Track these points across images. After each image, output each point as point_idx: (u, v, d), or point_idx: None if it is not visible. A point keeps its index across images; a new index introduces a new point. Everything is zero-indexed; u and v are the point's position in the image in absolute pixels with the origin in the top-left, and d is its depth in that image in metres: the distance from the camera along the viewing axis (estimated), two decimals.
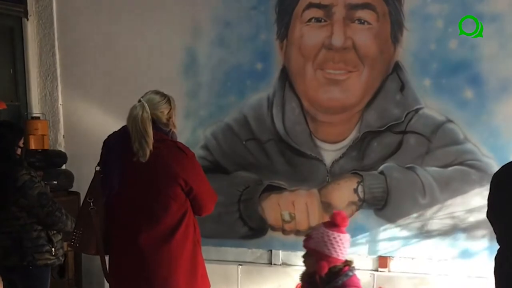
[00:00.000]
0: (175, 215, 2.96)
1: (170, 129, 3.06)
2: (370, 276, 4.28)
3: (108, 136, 3.09)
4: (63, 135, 4.75)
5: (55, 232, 3.51)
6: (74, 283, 4.54)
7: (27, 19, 4.67)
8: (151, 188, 2.92)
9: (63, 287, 4.30)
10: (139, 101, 2.96)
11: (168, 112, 3.03)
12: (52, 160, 4.53)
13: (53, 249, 3.48)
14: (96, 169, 3.00)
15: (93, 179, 3.04)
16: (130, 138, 2.89)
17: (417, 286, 4.23)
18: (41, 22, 4.68)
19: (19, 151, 3.50)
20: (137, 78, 4.45)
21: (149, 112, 2.89)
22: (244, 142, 4.41)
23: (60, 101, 4.71)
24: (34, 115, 4.67)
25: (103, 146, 3.08)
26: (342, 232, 2.85)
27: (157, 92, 3.05)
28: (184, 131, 4.39)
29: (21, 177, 3.35)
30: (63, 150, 4.72)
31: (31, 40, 4.69)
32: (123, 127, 2.98)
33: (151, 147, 2.86)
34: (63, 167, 4.67)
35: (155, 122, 2.95)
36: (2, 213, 3.39)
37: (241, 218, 4.44)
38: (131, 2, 4.52)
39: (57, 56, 4.69)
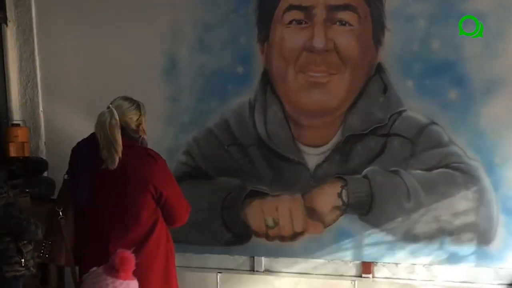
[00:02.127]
0: (145, 224, 3.06)
1: (140, 136, 3.18)
2: (351, 283, 4.42)
3: (76, 143, 3.22)
4: (44, 142, 4.93)
5: (25, 242, 3.60)
6: None
7: (6, 25, 4.85)
8: (120, 196, 3.03)
9: None
10: (108, 107, 3.06)
11: (138, 119, 3.16)
12: (33, 167, 4.68)
13: (23, 260, 3.56)
14: (65, 178, 3.14)
15: (61, 188, 3.18)
16: (99, 145, 3.00)
17: None
18: (20, 28, 4.88)
19: None
20: (118, 83, 4.54)
21: (117, 118, 3.00)
22: (226, 147, 4.58)
23: (41, 108, 4.90)
24: (14, 122, 4.85)
25: (71, 153, 3.21)
26: (123, 279, 2.33)
27: (126, 98, 3.17)
28: (166, 137, 4.65)
29: None
30: (44, 157, 4.89)
31: (10, 46, 4.88)
32: (91, 134, 3.10)
33: (120, 154, 2.97)
34: (45, 174, 4.83)
35: (124, 128, 3.06)
36: None
37: (224, 225, 4.60)
38: (111, 6, 4.69)
39: (37, 62, 4.89)
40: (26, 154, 4.73)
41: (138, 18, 4.64)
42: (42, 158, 4.85)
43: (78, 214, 3.11)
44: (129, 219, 3.03)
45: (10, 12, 4.86)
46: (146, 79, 4.63)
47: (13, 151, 4.66)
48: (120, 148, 2.97)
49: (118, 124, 2.99)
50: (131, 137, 3.11)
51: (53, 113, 4.90)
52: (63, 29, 4.81)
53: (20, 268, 3.57)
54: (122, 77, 4.66)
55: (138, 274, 2.91)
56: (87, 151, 3.10)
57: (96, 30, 4.74)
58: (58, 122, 4.88)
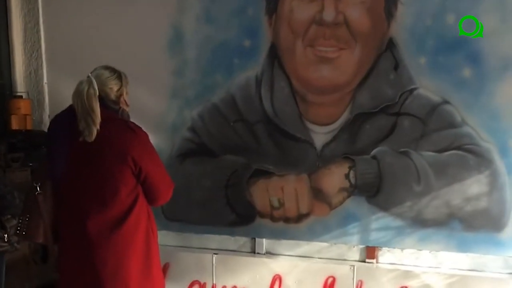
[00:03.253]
0: (124, 200, 3.21)
1: (120, 107, 3.32)
2: (350, 268, 4.62)
3: (55, 115, 3.39)
4: (48, 115, 5.22)
5: (9, 217, 3.75)
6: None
7: None
8: (98, 171, 3.17)
9: (47, 272, 4.70)
10: (88, 76, 3.20)
11: (119, 89, 3.33)
12: (35, 141, 4.90)
13: (6, 235, 3.71)
14: (44, 151, 3.33)
15: (41, 162, 3.38)
16: (77, 117, 3.14)
17: (401, 280, 4.55)
18: None
19: None
20: (123, 55, 4.83)
21: (96, 88, 3.15)
22: (231, 124, 4.81)
23: (45, 80, 5.21)
24: (17, 93, 5.16)
25: (49, 125, 3.38)
26: None
27: (106, 67, 3.35)
28: (170, 112, 4.92)
29: None
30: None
31: (15, 16, 5.19)
32: (70, 105, 3.24)
33: (97, 126, 3.11)
34: None
35: (103, 99, 3.21)
36: None
37: (228, 204, 4.85)
38: None
39: (42, 33, 5.19)
40: (29, 127, 5.02)
41: None
42: (44, 131, 4.96)
43: (56, 189, 3.26)
44: (107, 195, 3.18)
45: None
46: (151, 52, 4.89)
47: (15, 124, 4.95)
48: (98, 119, 3.11)
49: (97, 93, 3.15)
50: (111, 109, 3.26)
51: (58, 85, 5.16)
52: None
53: (3, 244, 3.73)
54: (127, 49, 4.93)
55: (117, 253, 3.22)
56: (65, 122, 3.24)
57: (101, 3, 5.02)
58: (63, 95, 4.77)
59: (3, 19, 5.26)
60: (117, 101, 3.36)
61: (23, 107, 5.06)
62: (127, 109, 3.45)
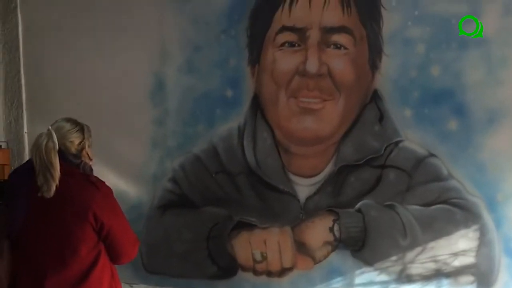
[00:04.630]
0: (85, 258, 3.02)
1: (82, 161, 3.15)
2: None
3: (14, 169, 3.25)
4: None
5: None
6: None
7: None
8: (57, 228, 2.98)
9: None
10: (48, 129, 3.06)
11: (80, 143, 3.16)
12: None
13: None
14: (0, 207, 3.09)
15: None
16: (35, 171, 2.96)
17: None
18: (6, 46, 5.00)
19: None
20: (104, 104, 4.75)
21: (55, 141, 3.00)
22: (213, 175, 4.61)
23: (25, 129, 5.01)
24: None
25: (8, 179, 3.23)
26: None
27: (68, 120, 3.19)
28: (151, 162, 4.74)
29: None
30: None
31: None
32: (30, 159, 3.08)
33: (56, 181, 2.94)
34: None
35: (64, 152, 3.05)
36: None
37: (210, 257, 4.62)
38: (98, 24, 4.79)
39: (23, 82, 5.01)
40: (6, 178, 4.75)
41: (125, 36, 4.73)
42: None
43: (13, 247, 3.06)
44: (67, 253, 2.99)
45: None
46: (132, 101, 4.73)
47: None
48: (57, 174, 2.94)
49: (56, 147, 2.98)
50: (72, 163, 3.08)
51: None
52: (50, 48, 4.92)
53: None
54: (108, 98, 4.78)
55: None
56: (24, 177, 3.07)
57: (83, 50, 4.83)
58: None
59: None
60: (78, 155, 3.18)
61: (1, 157, 4.87)
62: (90, 163, 3.28)
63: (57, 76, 4.95)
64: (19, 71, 5.02)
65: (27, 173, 3.06)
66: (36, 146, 3.03)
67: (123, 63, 4.78)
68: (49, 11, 4.90)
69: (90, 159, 3.27)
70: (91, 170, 3.25)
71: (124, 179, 4.78)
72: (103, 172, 4.63)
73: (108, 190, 3.17)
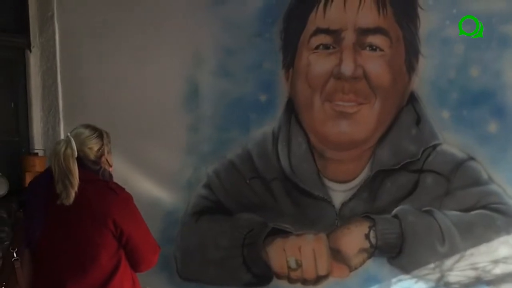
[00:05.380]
0: (105, 266, 2.92)
1: (101, 167, 3.04)
2: None
3: (34, 177, 3.16)
4: None
5: None
6: None
7: (30, 51, 4.99)
8: (76, 235, 2.89)
9: None
10: (67, 136, 2.97)
11: (99, 149, 3.04)
12: None
13: None
14: (19, 215, 3.01)
15: (16, 226, 3.07)
16: (54, 178, 2.88)
17: None
18: (44, 55, 4.98)
19: None
20: (139, 111, 4.71)
21: (74, 148, 2.90)
22: (248, 181, 4.51)
23: (62, 137, 4.88)
24: (33, 151, 4.95)
25: (27, 188, 3.16)
26: None
27: (87, 126, 3.07)
28: (186, 169, 4.65)
29: None
30: None
31: (33, 73, 5.00)
32: (49, 166, 2.99)
33: (75, 188, 2.83)
34: None
35: (82, 159, 2.95)
36: None
37: (244, 264, 4.52)
38: (132, 31, 4.74)
39: (60, 90, 4.97)
40: None
41: (160, 42, 4.66)
42: None
43: (32, 255, 2.98)
44: (86, 260, 2.90)
45: (34, 38, 4.98)
46: (166, 107, 4.66)
47: (28, 181, 4.59)
48: (76, 181, 2.85)
49: (75, 154, 2.90)
50: (90, 169, 2.99)
51: None
52: (86, 55, 4.88)
53: None
54: (143, 105, 4.72)
55: None
56: (43, 185, 2.99)
57: (118, 57, 4.79)
58: None
59: (22, 77, 5.08)
60: (97, 161, 3.06)
61: (38, 164, 4.81)
62: (109, 169, 3.16)
63: (93, 84, 4.91)
64: (56, 80, 4.99)
65: (46, 181, 2.98)
66: (54, 154, 2.94)
67: (158, 69, 4.72)
68: (85, 18, 4.86)
69: (110, 166, 3.17)
70: (111, 176, 3.15)
71: (159, 186, 4.71)
72: (137, 179, 4.62)
73: (128, 196, 3.06)
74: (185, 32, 4.64)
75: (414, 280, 4.20)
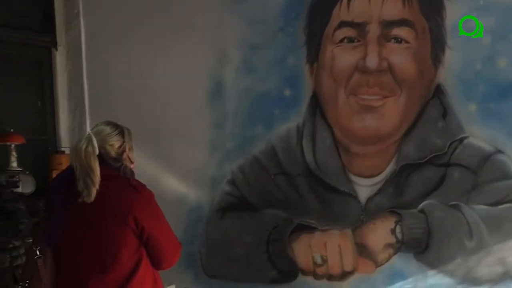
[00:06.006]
0: (126, 264, 2.91)
1: (122, 164, 3.01)
2: None
3: (56, 175, 3.15)
4: None
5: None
6: None
7: (56, 50, 5.05)
8: (97, 233, 2.88)
9: None
10: (88, 133, 2.97)
11: (121, 146, 3.03)
12: None
13: None
14: (42, 213, 3.06)
15: (39, 224, 3.12)
16: (75, 176, 2.87)
17: None
18: (70, 53, 5.05)
19: None
20: (164, 108, 4.76)
21: (95, 145, 2.89)
22: (272, 177, 4.47)
23: None
24: (59, 149, 5.01)
25: (49, 186, 3.13)
26: None
27: (108, 123, 3.07)
28: (210, 165, 4.66)
29: None
30: None
31: (60, 71, 5.07)
32: (70, 164, 2.98)
33: (97, 185, 2.83)
34: None
35: (103, 156, 2.93)
36: None
37: (269, 260, 4.48)
38: (157, 29, 4.78)
39: (86, 88, 5.04)
40: None
41: (184, 40, 4.69)
42: None
43: (54, 252, 2.99)
44: (108, 258, 2.89)
45: (60, 36, 5.04)
46: (191, 104, 4.69)
47: None
48: (97, 178, 2.84)
49: (96, 152, 2.89)
50: (112, 166, 2.97)
51: None
52: (111, 53, 4.93)
53: None
54: (168, 102, 4.78)
55: None
56: (64, 183, 2.99)
57: (143, 54, 4.84)
58: None
59: (48, 76, 5.14)
60: (118, 158, 3.04)
61: (64, 162, 4.80)
62: (131, 166, 3.13)
63: (119, 81, 4.94)
64: (82, 78, 5.05)
65: (68, 179, 2.97)
66: (75, 151, 2.93)
67: (182, 67, 4.73)
68: (110, 16, 4.91)
69: (132, 162, 3.15)
70: (132, 173, 3.12)
71: (184, 183, 4.73)
72: (162, 176, 4.60)
73: (149, 194, 3.04)
74: (209, 29, 4.65)
75: (441, 275, 4.08)
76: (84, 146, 2.89)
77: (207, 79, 4.64)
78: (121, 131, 3.07)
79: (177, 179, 4.70)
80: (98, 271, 2.90)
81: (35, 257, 2.99)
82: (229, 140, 4.63)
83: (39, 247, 3.01)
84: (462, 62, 3.99)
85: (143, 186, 3.01)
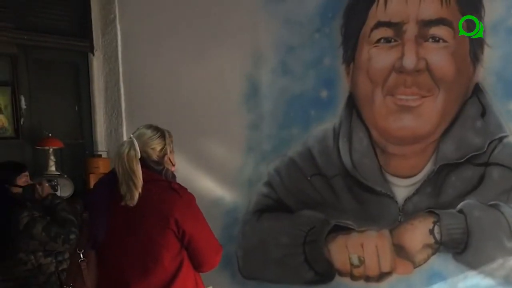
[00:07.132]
0: (168, 267, 2.90)
1: (164, 167, 3.02)
2: None
3: (99, 179, 3.14)
4: None
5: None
6: None
7: (93, 54, 5.08)
8: (139, 236, 2.88)
9: None
10: (130, 137, 2.96)
11: (162, 149, 3.01)
12: None
13: None
14: (85, 217, 3.06)
15: (83, 228, 3.11)
16: (118, 180, 2.88)
17: None
18: (106, 57, 5.07)
19: (17, 189, 3.83)
20: (200, 110, 4.75)
21: (137, 149, 2.88)
22: (309, 178, 4.44)
23: (124, 138, 4.96)
24: (96, 152, 5.03)
25: (91, 189, 3.15)
26: None
27: (149, 126, 3.05)
28: (246, 167, 4.65)
29: (22, 219, 3.68)
30: None
31: (96, 75, 5.11)
32: (113, 168, 2.98)
33: (139, 189, 2.83)
34: None
35: (145, 160, 2.94)
36: (9, 261, 3.71)
37: (306, 262, 4.45)
38: (192, 32, 4.78)
39: (122, 92, 5.06)
40: None
41: (220, 42, 4.68)
42: None
43: (97, 256, 3.00)
44: (150, 261, 2.89)
45: (97, 41, 5.07)
46: (227, 106, 4.68)
47: (92, 183, 4.70)
48: (139, 182, 2.85)
49: (138, 155, 2.89)
50: (153, 170, 2.98)
51: None
52: (147, 57, 4.95)
53: None
54: (204, 104, 4.77)
55: None
56: (106, 186, 3.00)
57: (179, 57, 4.83)
58: None
59: (85, 80, 5.18)
60: (160, 162, 3.04)
61: (101, 166, 4.87)
62: (172, 169, 3.12)
63: (154, 85, 4.95)
64: (118, 81, 5.07)
65: (110, 183, 2.98)
66: (118, 156, 2.94)
67: (218, 68, 4.72)
68: (146, 21, 4.93)
69: (173, 165, 3.13)
70: (174, 176, 3.11)
71: (220, 184, 4.72)
72: (199, 178, 4.59)
73: (191, 197, 3.02)
74: (244, 30, 4.63)
75: (481, 276, 4.01)
76: (126, 150, 2.89)
77: (243, 80, 4.63)
78: (162, 134, 3.06)
79: (214, 181, 4.70)
80: (140, 274, 2.90)
81: (79, 260, 3.00)
82: (265, 141, 4.61)
83: (82, 251, 3.02)
84: (501, 60, 3.92)
85: (185, 189, 3.00)
